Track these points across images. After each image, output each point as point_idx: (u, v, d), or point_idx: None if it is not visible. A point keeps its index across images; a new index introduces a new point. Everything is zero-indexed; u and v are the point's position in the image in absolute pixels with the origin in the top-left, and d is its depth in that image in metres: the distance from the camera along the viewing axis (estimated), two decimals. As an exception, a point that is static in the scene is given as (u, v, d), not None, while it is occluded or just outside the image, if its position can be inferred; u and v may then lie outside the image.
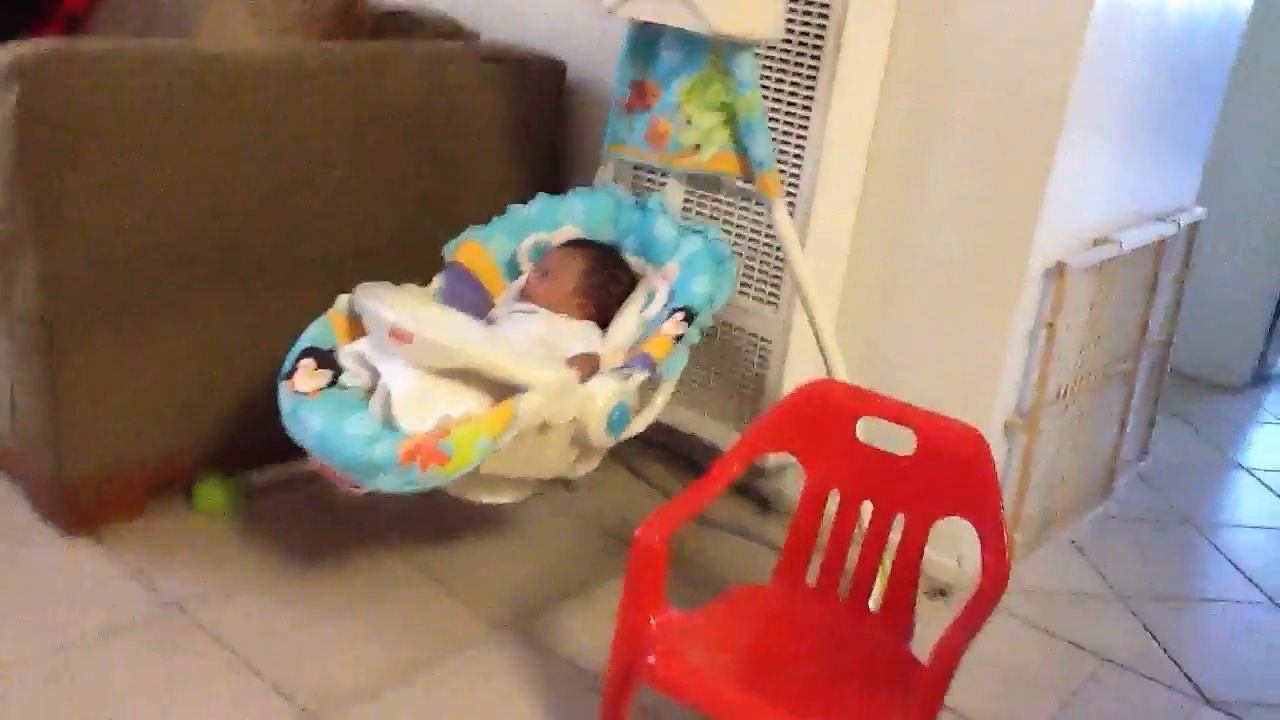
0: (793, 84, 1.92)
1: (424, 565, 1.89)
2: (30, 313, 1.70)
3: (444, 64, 2.12)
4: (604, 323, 1.87)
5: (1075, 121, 1.81)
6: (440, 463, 1.45)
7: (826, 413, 1.54)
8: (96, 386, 1.79)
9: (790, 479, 2.18)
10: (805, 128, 1.92)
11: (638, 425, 1.76)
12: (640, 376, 1.64)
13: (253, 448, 2.00)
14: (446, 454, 1.45)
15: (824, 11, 1.85)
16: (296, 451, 1.63)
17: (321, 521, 1.98)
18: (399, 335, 1.58)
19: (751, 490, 2.23)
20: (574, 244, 1.94)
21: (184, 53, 1.79)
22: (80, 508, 1.84)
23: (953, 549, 1.99)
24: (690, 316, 1.71)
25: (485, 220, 1.96)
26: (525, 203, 1.99)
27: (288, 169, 1.90)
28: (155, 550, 1.83)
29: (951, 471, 1.45)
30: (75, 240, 1.67)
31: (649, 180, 2.14)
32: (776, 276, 2.01)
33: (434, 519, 2.01)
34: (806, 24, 1.88)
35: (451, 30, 2.35)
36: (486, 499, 1.66)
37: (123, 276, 1.75)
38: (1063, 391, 2.08)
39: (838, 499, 1.55)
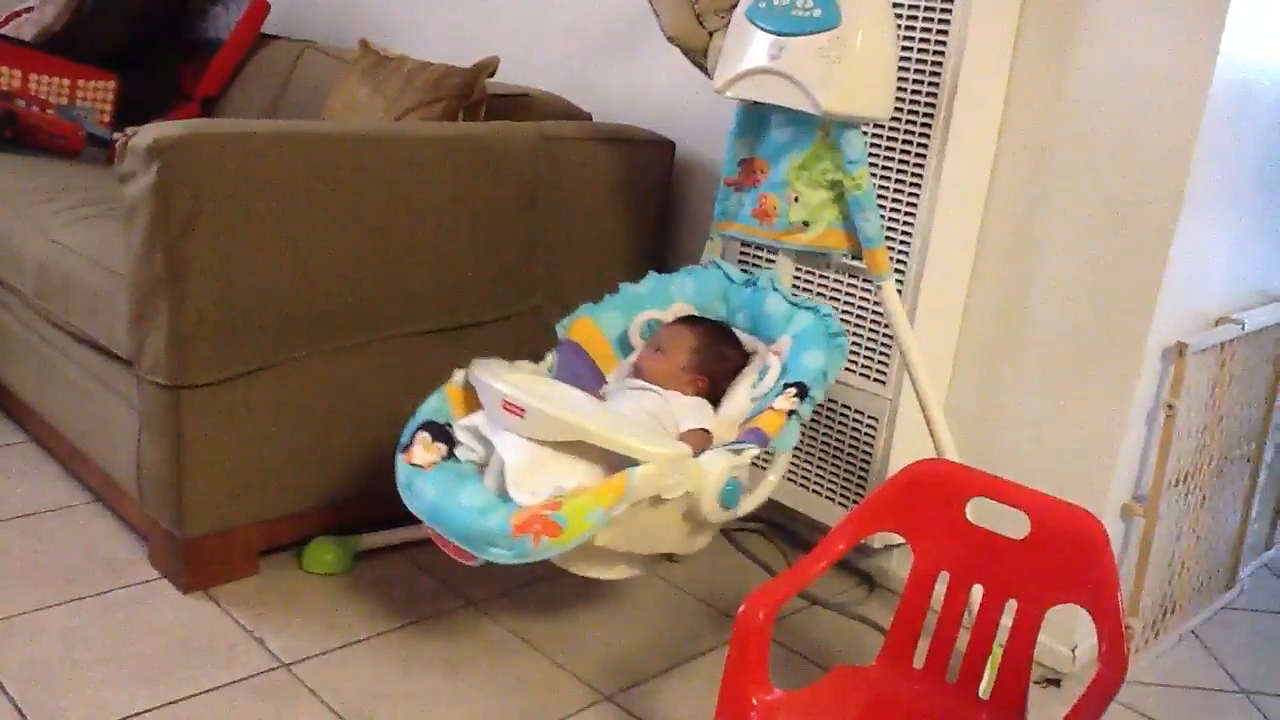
0: (902, 159, 1.92)
1: (527, 633, 1.90)
2: (159, 374, 1.78)
3: (557, 143, 2.17)
4: (716, 399, 1.88)
5: (1196, 196, 1.78)
6: (553, 534, 1.46)
7: (936, 492, 1.52)
8: (218, 447, 1.85)
9: (897, 558, 2.15)
10: (915, 203, 1.91)
11: (752, 502, 1.75)
12: (753, 451, 1.64)
13: (363, 511, 2.05)
14: (560, 525, 1.46)
15: (934, 86, 1.86)
16: (406, 516, 1.67)
17: (428, 586, 2.00)
18: (512, 408, 1.61)
19: (857, 569, 2.19)
20: (685, 320, 1.95)
21: (307, 132, 1.88)
22: (197, 565, 1.90)
23: (1067, 636, 1.93)
24: (803, 392, 1.71)
25: (595, 296, 1.99)
26: (636, 281, 2.02)
27: (405, 240, 1.96)
28: (267, 609, 1.88)
29: (1066, 557, 1.41)
30: (203, 306, 1.75)
31: (757, 257, 2.15)
32: (885, 354, 2.00)
33: (538, 587, 2.02)
34: (916, 98, 1.88)
35: (565, 111, 2.42)
36: (596, 573, 1.67)
37: (245, 341, 1.82)
38: (1183, 476, 2.01)
39: (946, 581, 1.52)
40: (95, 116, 2.81)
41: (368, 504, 2.04)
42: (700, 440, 1.72)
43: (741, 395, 1.84)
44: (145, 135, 1.68)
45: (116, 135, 2.78)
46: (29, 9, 2.98)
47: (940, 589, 1.53)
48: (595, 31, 2.57)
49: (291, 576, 1.98)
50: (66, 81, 2.76)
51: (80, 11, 2.96)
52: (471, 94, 2.34)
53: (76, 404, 2.11)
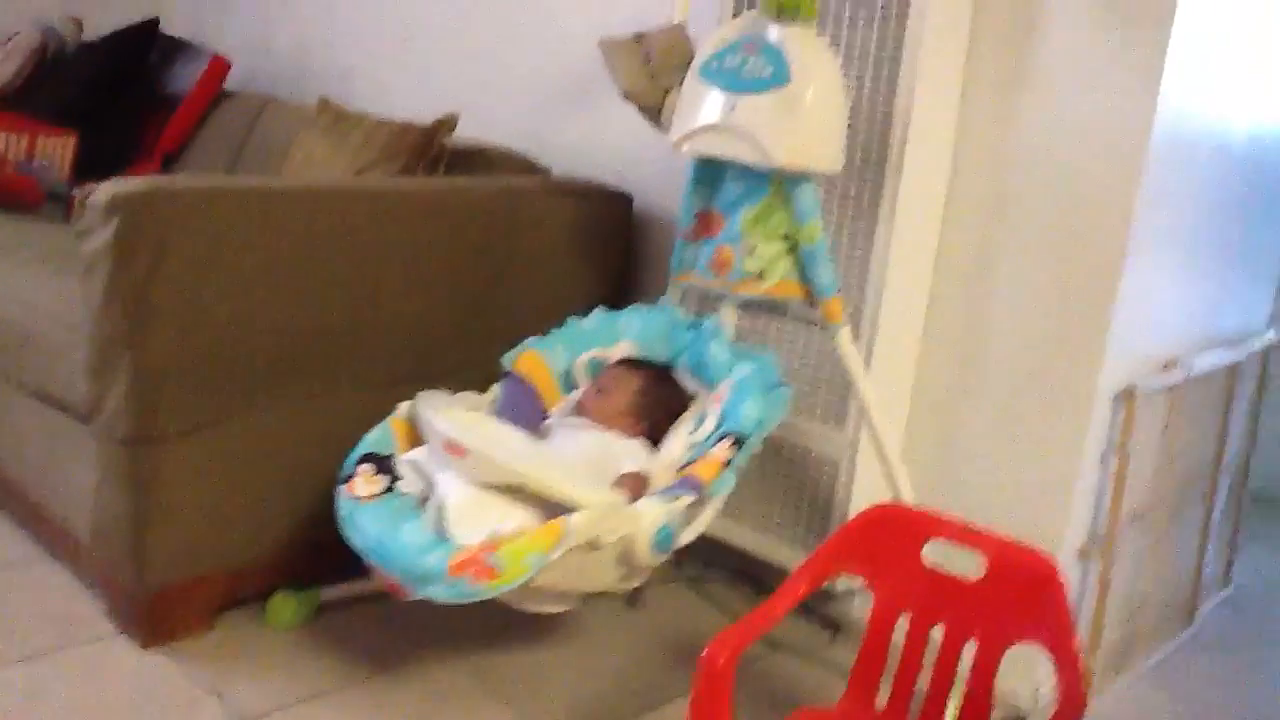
0: (855, 208, 1.96)
1: (492, 681, 1.89)
2: (118, 427, 1.77)
3: (517, 197, 2.20)
4: (655, 440, 1.91)
5: (1140, 241, 1.83)
6: (489, 577, 1.50)
7: (894, 535, 1.54)
8: (178, 500, 1.84)
9: (860, 603, 2.16)
10: (869, 253, 1.95)
11: (684, 538, 1.77)
12: (687, 499, 1.66)
13: (323, 562, 2.03)
14: (496, 569, 1.50)
15: (884, 137, 1.90)
16: (365, 568, 1.67)
17: (389, 635, 1.99)
18: (453, 449, 1.64)
19: (820, 614, 2.21)
20: (630, 363, 1.98)
21: (265, 188, 1.89)
22: (156, 620, 1.88)
23: (1030, 677, 1.95)
24: (739, 441, 1.73)
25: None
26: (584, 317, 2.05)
27: (366, 292, 1.97)
28: (227, 663, 1.86)
29: (1023, 596, 1.44)
30: (161, 360, 1.75)
31: (714, 307, 2.18)
32: (843, 399, 2.02)
33: (496, 628, 2.02)
34: (868, 150, 1.93)
35: (524, 166, 2.45)
36: (534, 609, 1.70)
37: (206, 392, 1.82)
38: (1138, 516, 2.04)
39: (907, 621, 1.54)
40: (54, 173, 2.81)
41: (329, 556, 2.02)
42: (636, 484, 1.75)
43: (680, 440, 1.87)
44: (104, 191, 1.69)
45: (75, 191, 2.79)
46: (-13, 66, 2.98)
47: (901, 630, 1.54)
48: (553, 87, 2.61)
49: (252, 631, 1.96)
50: (25, 137, 2.77)
51: (40, 68, 2.98)
52: (431, 150, 2.37)
53: (32, 457, 2.10)
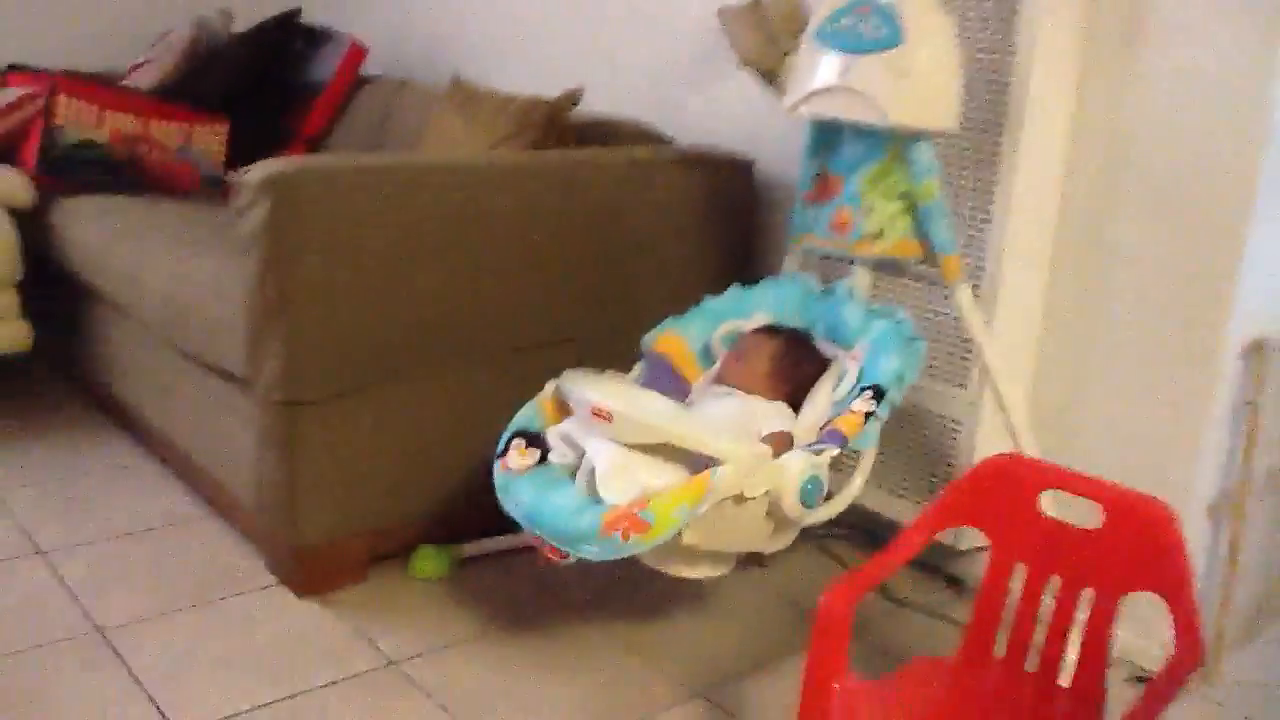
0: (974, 166, 1.97)
1: (621, 634, 1.98)
2: (275, 392, 1.91)
3: (640, 168, 2.27)
4: (796, 404, 1.95)
5: (1268, 193, 1.80)
6: (641, 531, 1.55)
7: (1010, 486, 1.56)
8: (329, 461, 1.98)
9: (981, 561, 2.17)
10: (988, 209, 1.96)
11: (837, 505, 1.81)
12: (831, 451, 1.70)
13: (466, 520, 2.16)
14: (647, 522, 1.55)
15: (1002, 95, 1.90)
16: (506, 525, 1.77)
17: (528, 591, 2.10)
18: (601, 414, 1.71)
19: (940, 570, 2.23)
20: (766, 329, 2.03)
21: (401, 165, 2.01)
22: (311, 571, 2.02)
23: (1156, 633, 1.94)
24: (879, 394, 1.76)
25: (680, 310, 2.08)
26: (718, 294, 2.10)
27: (499, 262, 2.07)
28: (376, 612, 1.99)
29: (1140, 544, 1.45)
30: (314, 327, 1.88)
31: (836, 268, 2.21)
32: (965, 358, 2.04)
33: (631, 592, 2.10)
34: (986, 107, 1.93)
35: (647, 136, 2.51)
36: (685, 572, 1.75)
37: (352, 360, 1.95)
38: (1275, 473, 2.01)
39: (1024, 573, 1.56)
40: (210, 158, 2.99)
41: (468, 514, 2.15)
42: (781, 442, 1.79)
43: (821, 399, 1.91)
44: (258, 172, 1.82)
45: (229, 175, 2.97)
46: (148, 61, 3.18)
47: (1018, 581, 1.57)
48: (674, 58, 2.67)
49: (398, 582, 2.09)
50: (183, 126, 2.95)
51: (193, 62, 3.15)
52: (558, 123, 2.45)
53: (196, 423, 2.26)
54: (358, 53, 3.21)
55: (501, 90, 2.65)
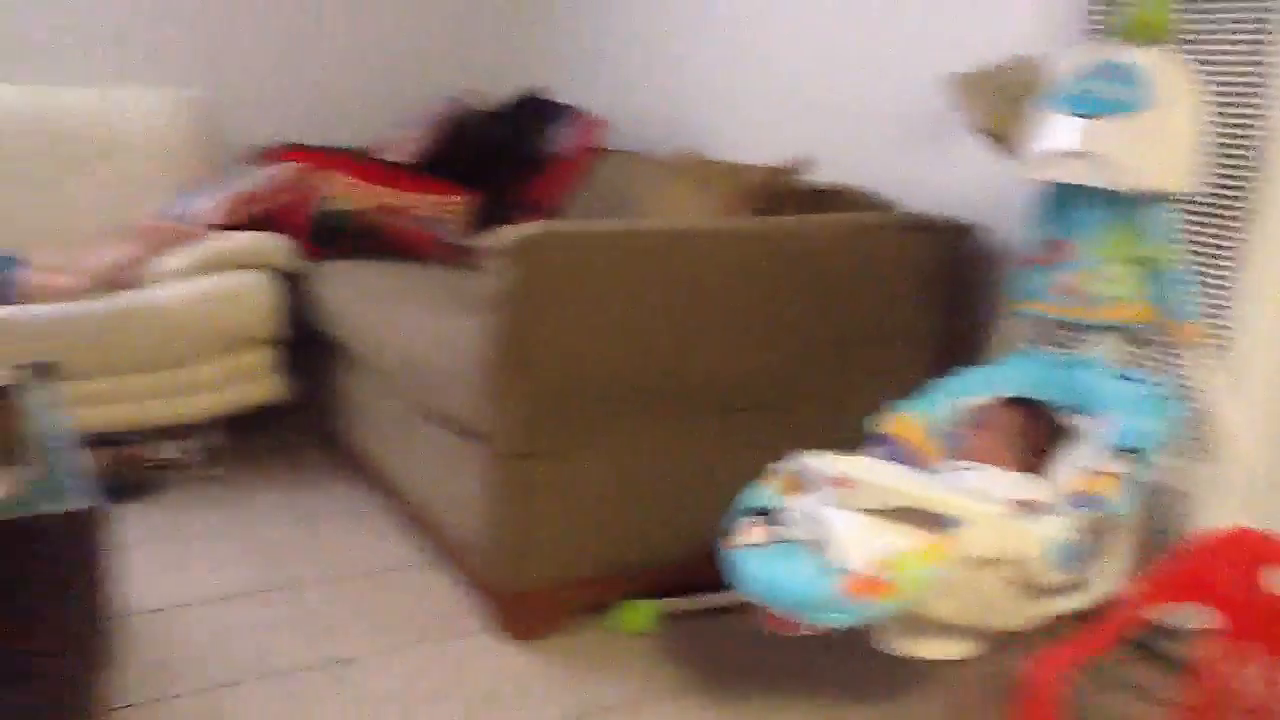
0: (1219, 227, 1.86)
1: (825, 712, 1.93)
2: (505, 446, 2.00)
3: (862, 233, 2.26)
4: (1039, 474, 1.87)
5: None
6: (883, 592, 1.51)
7: (1234, 560, 1.45)
8: (551, 512, 2.05)
9: (1192, 638, 2.00)
10: (1231, 274, 1.84)
11: (1098, 587, 1.71)
12: (1082, 515, 1.62)
13: (676, 575, 2.18)
14: (891, 584, 1.51)
15: (1251, 153, 1.79)
16: (715, 583, 1.76)
17: (732, 653, 2.08)
18: (841, 482, 1.68)
19: (1155, 650, 2.06)
20: (1007, 401, 1.96)
21: (634, 230, 2.09)
22: (524, 619, 2.09)
23: None
24: (1134, 455, 1.67)
25: (905, 379, 2.05)
26: (940, 367, 2.04)
27: (723, 324, 2.11)
28: (582, 660, 2.03)
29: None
30: (547, 383, 1.98)
31: (1066, 336, 2.12)
32: (1200, 426, 1.90)
33: (841, 665, 2.05)
34: (1231, 168, 1.83)
35: (869, 202, 2.50)
36: (927, 651, 1.66)
37: (581, 415, 2.03)
38: None
39: (1246, 652, 1.44)
40: (455, 227, 3.18)
41: (678, 569, 2.17)
42: (1030, 508, 1.71)
43: (1069, 466, 1.81)
44: (506, 236, 1.94)
45: (472, 242, 3.14)
46: (405, 136, 3.42)
47: (1238, 661, 1.44)
48: (898, 123, 2.65)
49: (605, 634, 2.13)
50: (433, 198, 3.15)
51: (441, 139, 3.38)
52: (784, 190, 2.48)
53: (428, 473, 2.38)
54: (595, 126, 3.34)
55: (730, 159, 2.71)
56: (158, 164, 3.21)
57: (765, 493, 1.84)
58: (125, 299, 2.71)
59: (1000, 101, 2.06)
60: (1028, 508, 1.72)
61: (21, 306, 2.64)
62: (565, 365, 1.99)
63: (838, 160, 2.79)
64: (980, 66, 2.10)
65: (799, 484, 1.83)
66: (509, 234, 1.95)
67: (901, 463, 1.93)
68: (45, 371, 1.98)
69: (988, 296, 2.44)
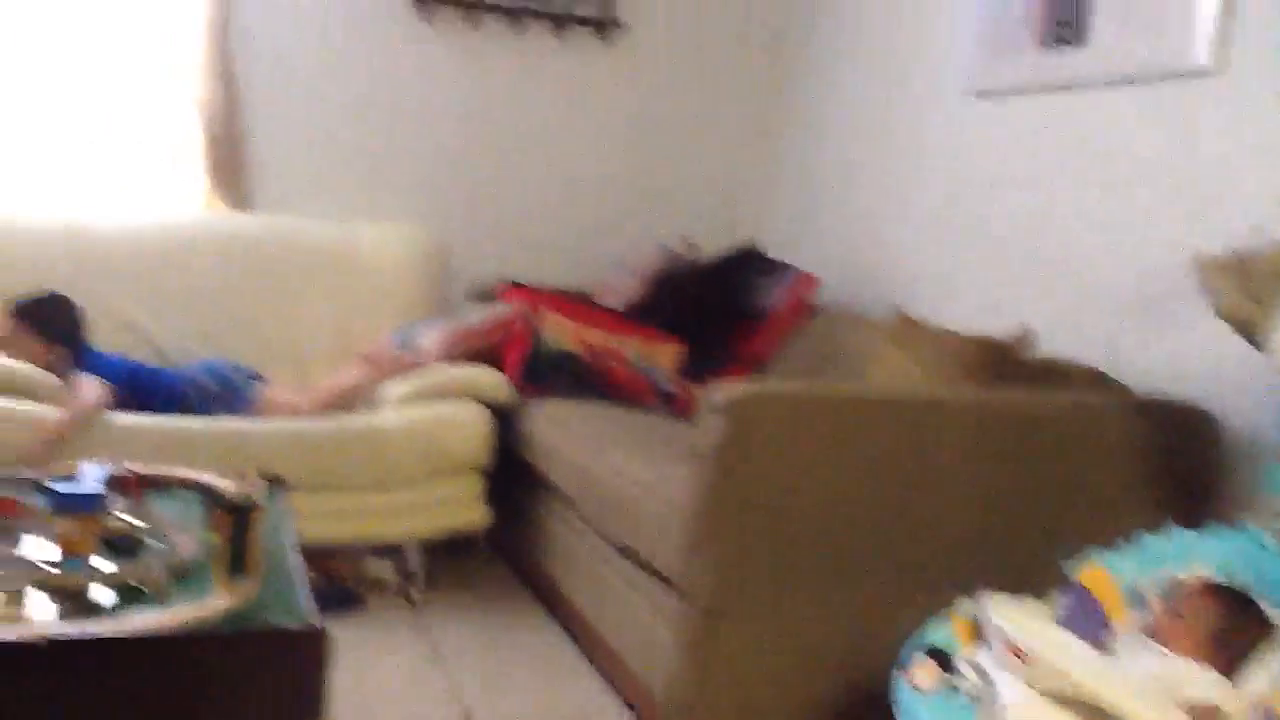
0: None
1: None
2: (700, 598, 1.98)
3: (1089, 414, 2.19)
4: (1231, 674, 1.73)
5: None
6: None
7: None
8: (739, 668, 2.02)
9: None
10: None
11: None
12: None
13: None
14: None
15: None
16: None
17: None
18: (1016, 653, 1.63)
19: None
20: (1209, 589, 1.83)
21: (850, 395, 2.09)
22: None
23: None
24: None
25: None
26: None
27: (928, 493, 2.06)
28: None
29: None
30: (748, 541, 1.96)
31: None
32: None
33: None
34: None
35: (1098, 380, 2.42)
36: None
37: (778, 575, 1.99)
38: None
39: None
40: (663, 374, 3.23)
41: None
42: (1208, 716, 1.60)
43: (1263, 672, 1.67)
44: (721, 393, 1.96)
45: (681, 391, 3.18)
46: (619, 282, 3.53)
47: None
48: (1132, 300, 2.57)
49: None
50: (644, 344, 3.22)
51: (654, 286, 3.46)
52: (1006, 363, 2.42)
53: (620, 617, 2.37)
54: (808, 283, 3.37)
55: (947, 325, 2.67)
56: (388, 295, 3.40)
57: (943, 633, 1.79)
58: (349, 421, 2.85)
59: (1250, 288, 1.98)
60: (1208, 714, 1.60)
61: (256, 420, 2.81)
62: (769, 526, 1.97)
63: (1060, 332, 2.72)
64: (1230, 249, 2.02)
65: (978, 633, 1.77)
66: (723, 391, 1.97)
67: (1089, 623, 1.83)
68: (278, 484, 2.08)
69: (1225, 489, 2.31)
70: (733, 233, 3.95)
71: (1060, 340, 2.70)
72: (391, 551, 2.95)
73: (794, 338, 3.33)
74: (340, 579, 2.85)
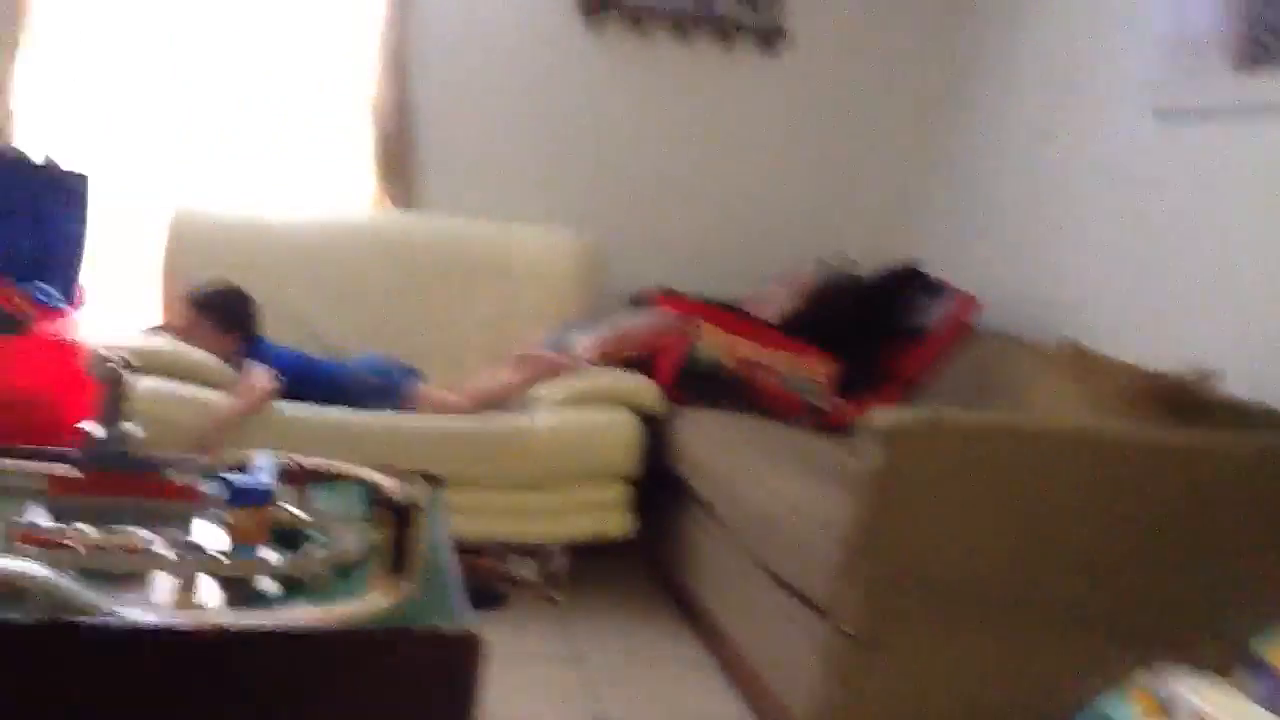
0: None
1: None
2: (850, 625, 1.95)
3: (1272, 458, 2.06)
4: None
5: None
6: None
7: None
8: (883, 698, 1.98)
9: None
10: None
11: None
12: None
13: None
14: None
15: None
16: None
17: None
18: None
19: None
20: None
21: (1017, 425, 2.02)
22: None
23: None
24: None
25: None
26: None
27: (1091, 532, 1.98)
28: None
29: None
30: (902, 570, 1.93)
31: None
32: None
33: None
34: None
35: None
36: None
37: (929, 607, 1.95)
38: None
39: None
40: (816, 390, 3.18)
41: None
42: None
43: None
44: (881, 417, 1.92)
45: (833, 408, 3.13)
46: (774, 294, 3.49)
47: None
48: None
49: None
50: (798, 358, 3.18)
51: (809, 301, 3.42)
52: (1182, 401, 2.30)
53: (763, 636, 2.35)
54: (967, 305, 3.28)
55: (1118, 357, 2.55)
56: (544, 297, 3.44)
57: (1126, 709, 1.71)
58: (502, 420, 2.89)
59: None
60: None
61: (412, 416, 2.88)
62: (926, 558, 1.93)
63: (1244, 374, 2.57)
64: None
65: (1163, 710, 1.67)
66: (885, 415, 1.93)
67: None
68: (435, 483, 2.11)
69: None
70: (890, 250, 3.85)
71: (1244, 382, 2.55)
72: (535, 551, 2.98)
73: (949, 360, 3.24)
74: (484, 576, 2.90)
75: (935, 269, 3.56)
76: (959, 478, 1.90)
